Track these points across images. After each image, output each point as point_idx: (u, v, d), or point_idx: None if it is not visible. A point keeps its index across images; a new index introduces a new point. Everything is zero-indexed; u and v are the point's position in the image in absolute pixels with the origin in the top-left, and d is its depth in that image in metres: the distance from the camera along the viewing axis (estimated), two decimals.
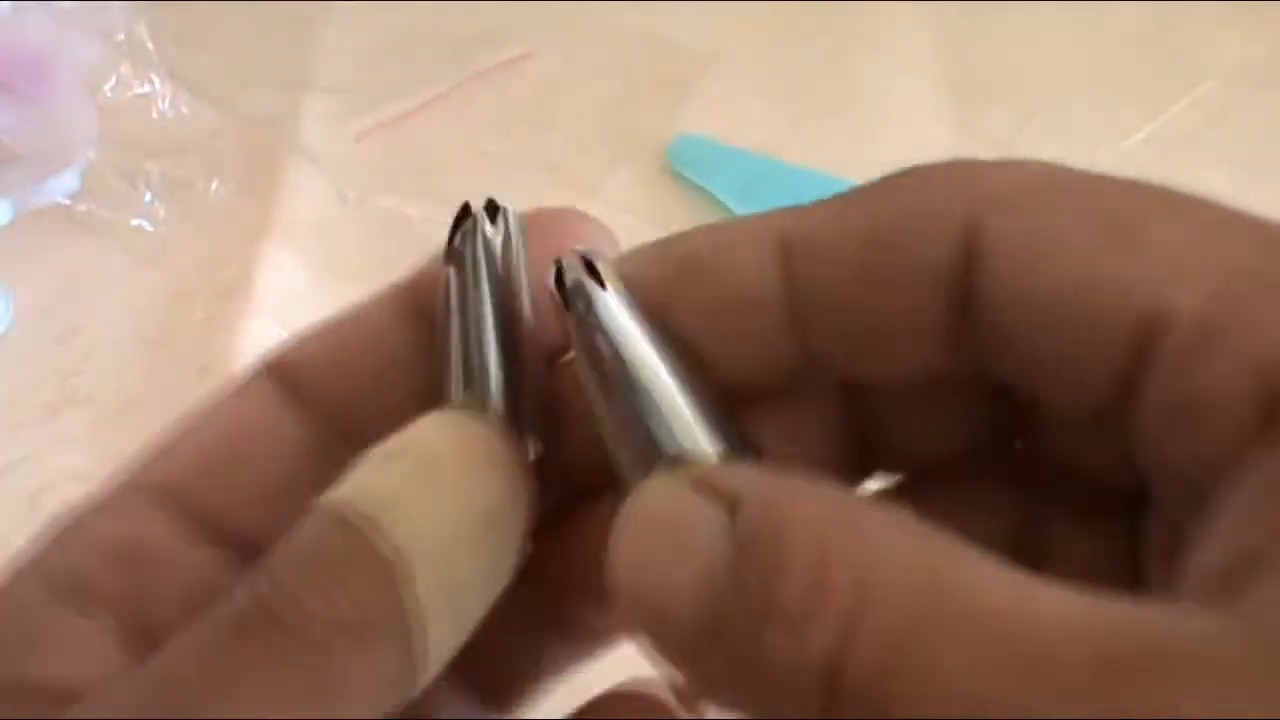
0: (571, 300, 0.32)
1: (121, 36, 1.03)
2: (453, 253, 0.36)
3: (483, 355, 0.33)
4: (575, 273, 0.32)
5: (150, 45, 1.04)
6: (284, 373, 0.37)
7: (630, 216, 1.00)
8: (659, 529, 0.28)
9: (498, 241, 0.35)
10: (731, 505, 0.27)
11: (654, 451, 0.31)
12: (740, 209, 0.98)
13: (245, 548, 0.34)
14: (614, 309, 0.32)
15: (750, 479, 0.28)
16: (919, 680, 0.24)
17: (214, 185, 1.00)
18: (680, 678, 0.28)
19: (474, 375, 0.33)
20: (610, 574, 0.29)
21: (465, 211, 0.36)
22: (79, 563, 0.34)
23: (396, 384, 0.36)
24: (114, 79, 1.04)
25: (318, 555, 0.29)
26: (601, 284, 0.32)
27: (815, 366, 0.34)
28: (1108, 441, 0.32)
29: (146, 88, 1.05)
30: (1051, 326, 0.29)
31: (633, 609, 0.28)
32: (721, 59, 1.16)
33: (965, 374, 0.33)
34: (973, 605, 0.24)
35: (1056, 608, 0.24)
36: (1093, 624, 0.23)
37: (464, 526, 0.30)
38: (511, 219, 0.36)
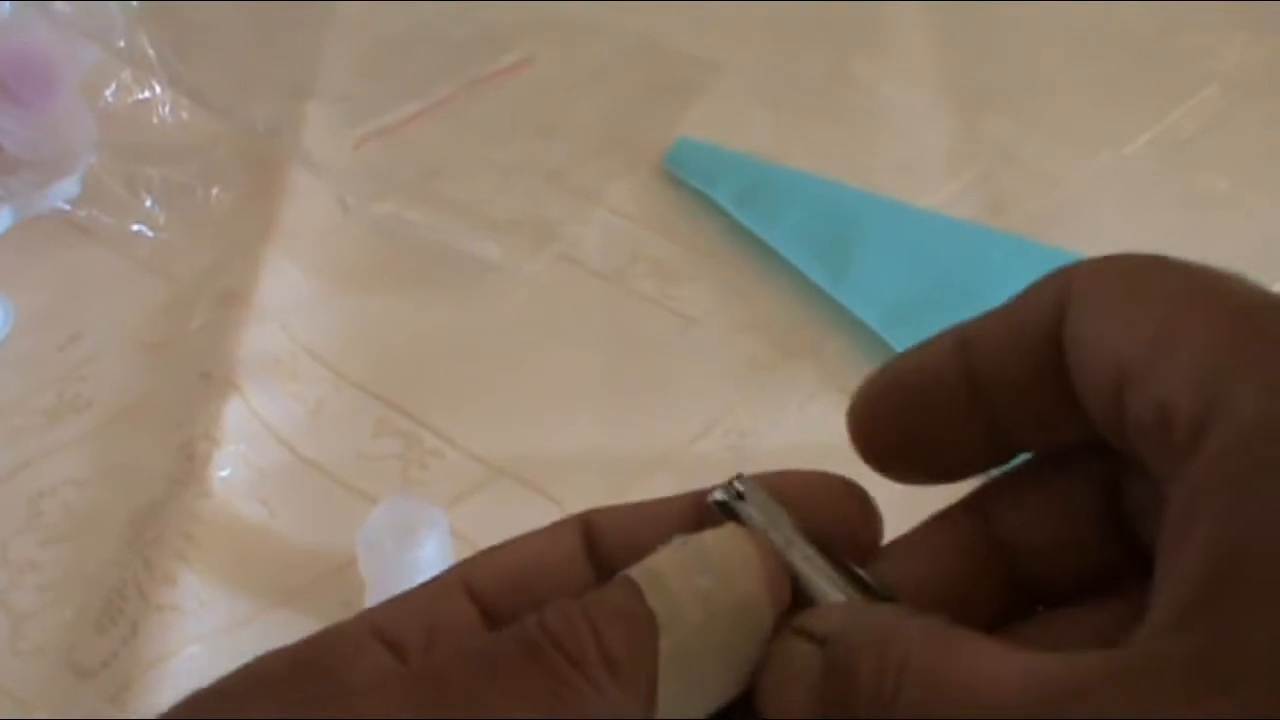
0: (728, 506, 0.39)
1: (122, 43, 1.03)
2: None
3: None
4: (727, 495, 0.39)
5: (151, 51, 1.04)
6: (590, 529, 0.41)
7: (630, 222, 1.00)
8: (779, 666, 0.36)
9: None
10: (822, 641, 0.35)
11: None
12: (739, 214, 0.99)
13: None
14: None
15: (837, 618, 0.36)
16: None
17: (214, 191, 1.00)
18: None
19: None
20: (758, 702, 0.37)
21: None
22: (396, 620, 0.39)
23: None
24: (115, 85, 1.04)
25: (600, 604, 0.36)
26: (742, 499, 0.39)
27: (997, 441, 0.40)
28: None
29: (147, 94, 1.05)
30: (1121, 420, 0.35)
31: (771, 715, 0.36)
32: (721, 65, 1.16)
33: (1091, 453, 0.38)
34: (960, 682, 0.31)
35: (1009, 668, 0.31)
36: (1030, 672, 0.31)
37: (716, 611, 0.36)
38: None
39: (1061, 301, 0.37)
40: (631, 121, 1.10)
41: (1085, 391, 0.36)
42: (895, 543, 0.40)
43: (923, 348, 0.40)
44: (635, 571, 0.36)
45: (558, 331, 0.92)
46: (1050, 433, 0.39)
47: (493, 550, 0.41)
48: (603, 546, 0.41)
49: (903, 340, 0.86)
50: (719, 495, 0.39)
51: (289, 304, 0.91)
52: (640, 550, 0.38)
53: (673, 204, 1.02)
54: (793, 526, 0.39)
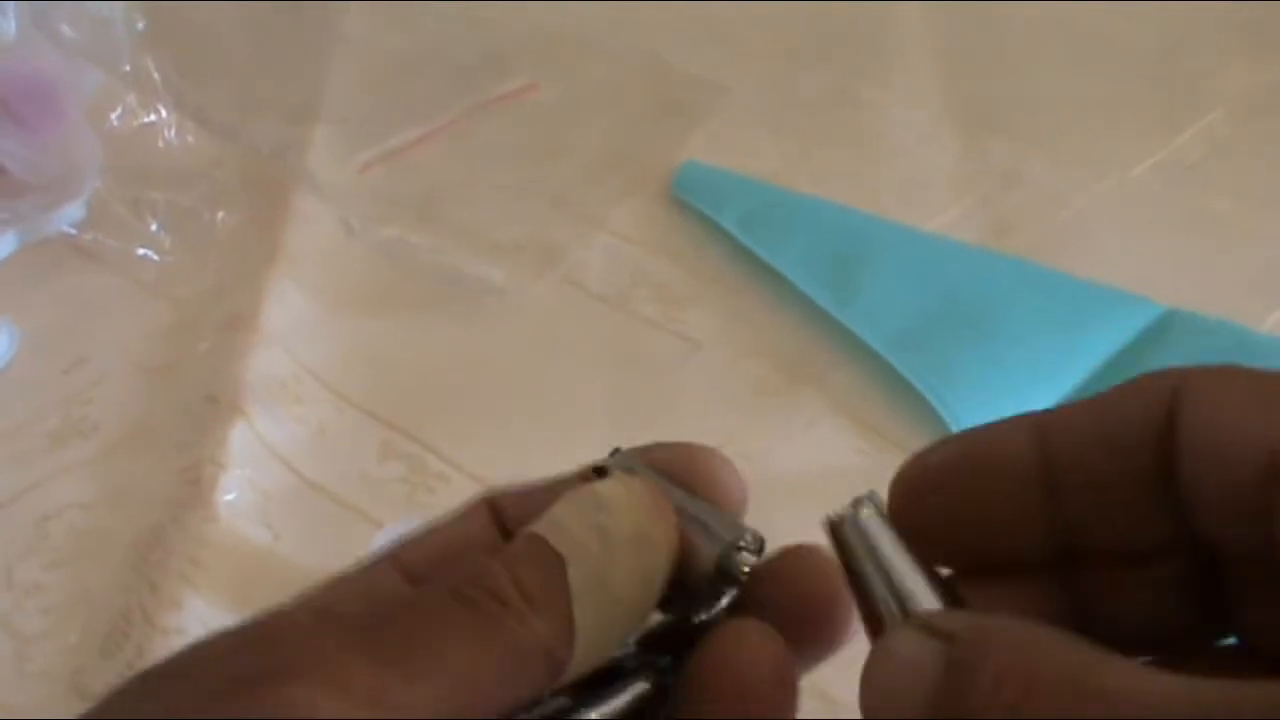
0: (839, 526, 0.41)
1: (127, 67, 1.03)
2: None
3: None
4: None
5: (156, 75, 1.04)
6: (495, 505, 0.46)
7: (636, 246, 1.00)
8: (895, 660, 0.37)
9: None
10: (947, 638, 0.35)
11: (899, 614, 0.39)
12: (745, 238, 0.99)
13: None
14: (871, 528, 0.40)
15: (962, 619, 0.37)
16: None
17: (219, 215, 1.01)
18: None
19: None
20: (862, 697, 0.37)
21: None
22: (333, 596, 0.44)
23: None
24: (120, 109, 1.05)
25: (509, 553, 0.39)
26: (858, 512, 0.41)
27: (1060, 537, 0.40)
28: None
29: (152, 117, 1.05)
30: (1227, 481, 0.36)
31: (874, 713, 0.36)
32: (727, 89, 1.16)
33: (1173, 546, 0.39)
34: (1107, 693, 0.31)
35: (1177, 689, 0.31)
36: (1203, 698, 0.30)
37: (615, 543, 0.40)
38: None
39: (1170, 399, 0.38)
40: (636, 145, 1.10)
41: (1210, 487, 0.37)
42: None
43: (992, 430, 0.41)
44: (538, 524, 0.40)
45: (562, 355, 0.92)
46: (1126, 531, 0.40)
47: (414, 534, 0.45)
48: (508, 520, 0.45)
49: (908, 365, 0.86)
50: (832, 516, 0.41)
51: (294, 327, 0.91)
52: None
53: (677, 228, 1.02)
54: (895, 541, 0.40)
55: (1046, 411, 0.41)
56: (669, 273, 0.98)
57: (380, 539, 0.74)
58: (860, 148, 1.11)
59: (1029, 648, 0.34)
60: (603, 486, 0.42)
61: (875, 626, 0.40)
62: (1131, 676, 0.32)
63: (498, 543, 0.45)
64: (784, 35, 1.24)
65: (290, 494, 0.81)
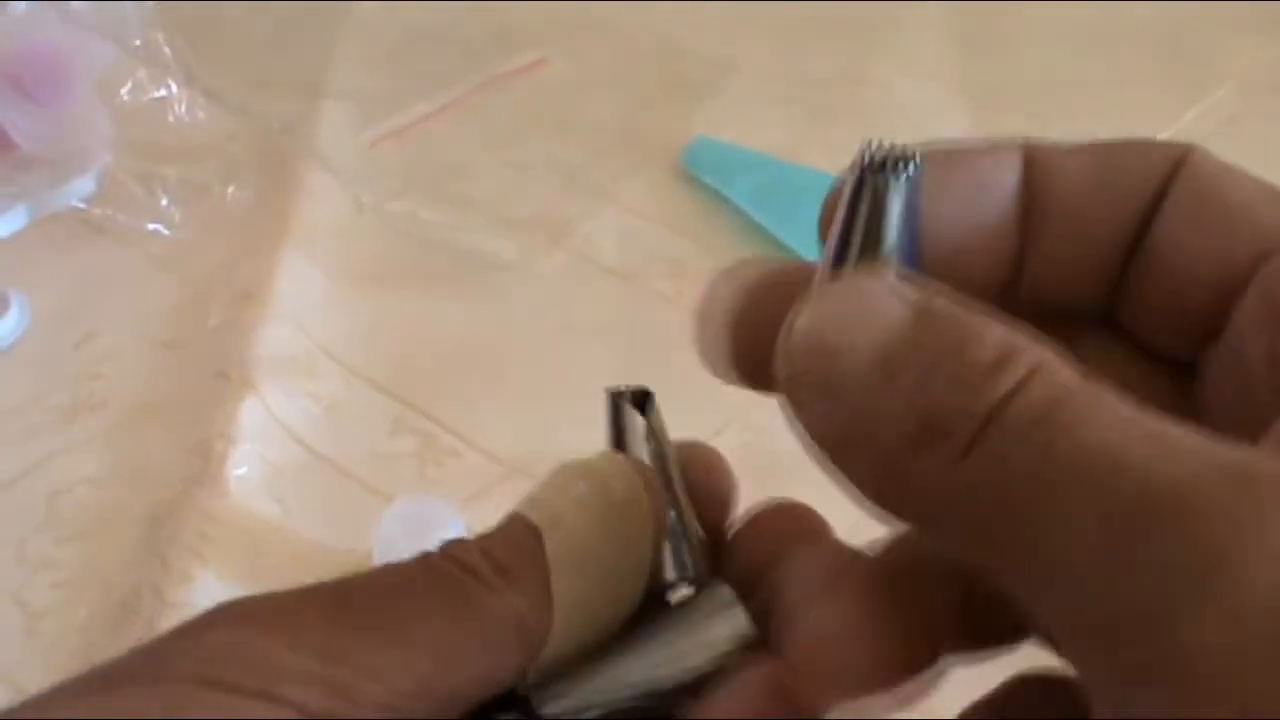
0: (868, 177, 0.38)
1: (138, 41, 1.03)
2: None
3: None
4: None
5: (167, 50, 1.04)
6: None
7: (646, 221, 1.00)
8: (845, 294, 0.34)
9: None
10: (919, 311, 0.33)
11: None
12: (756, 213, 0.99)
13: None
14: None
15: (942, 297, 0.33)
16: (1073, 418, 0.29)
17: (230, 190, 1.01)
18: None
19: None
20: (786, 333, 0.34)
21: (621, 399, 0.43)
22: None
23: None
24: (130, 83, 1.05)
25: (487, 530, 0.38)
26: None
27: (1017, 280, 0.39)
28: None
29: (163, 92, 1.05)
30: (1198, 248, 0.36)
31: (802, 353, 0.34)
32: (737, 64, 1.16)
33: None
34: (1118, 406, 0.29)
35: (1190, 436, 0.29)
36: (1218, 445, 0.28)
37: (594, 513, 0.39)
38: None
39: (1170, 169, 0.37)
40: (647, 120, 1.10)
41: (1169, 290, 0.36)
42: None
43: (978, 147, 0.40)
44: (519, 504, 0.39)
45: (573, 330, 0.92)
46: (1081, 289, 0.39)
47: None
48: None
49: None
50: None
51: (304, 303, 0.91)
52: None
53: (688, 202, 1.02)
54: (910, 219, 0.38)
55: (1039, 143, 0.39)
56: (679, 247, 0.98)
57: (390, 514, 0.74)
58: (870, 124, 1.11)
59: (1029, 347, 0.31)
60: (589, 458, 0.41)
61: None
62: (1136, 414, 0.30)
63: None
64: (794, 11, 1.24)
65: (301, 469, 0.81)
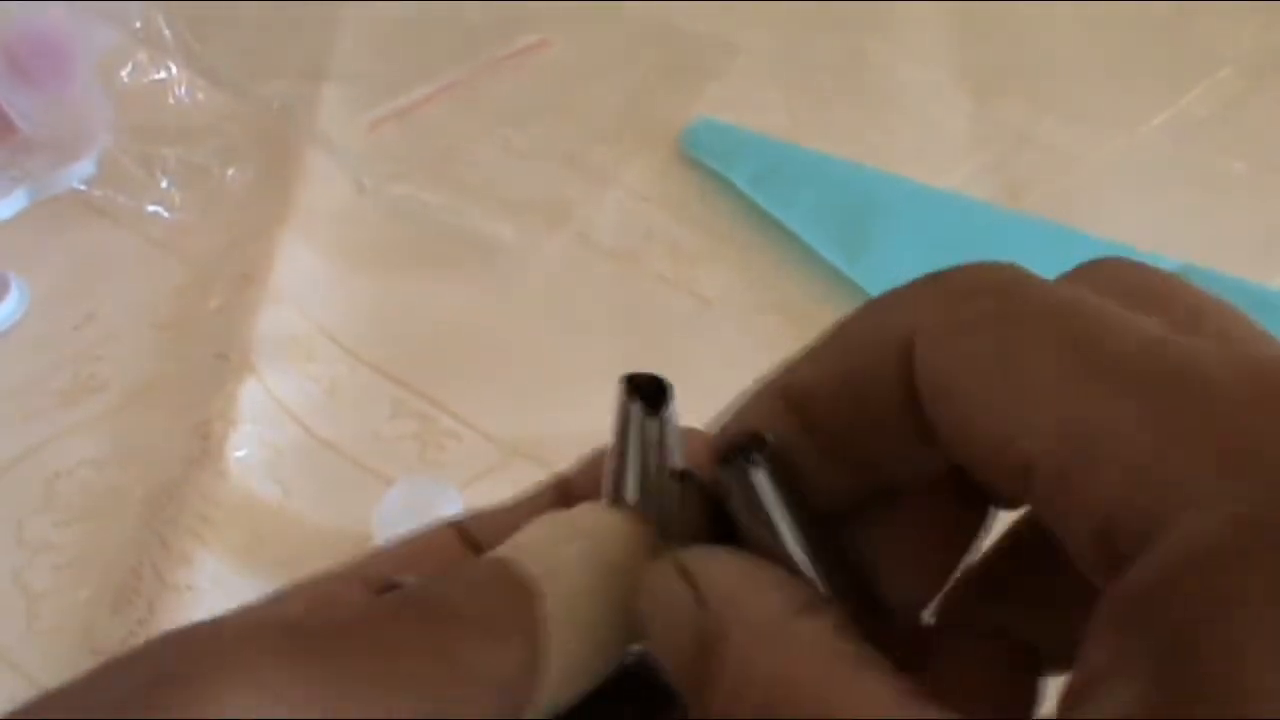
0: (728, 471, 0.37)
1: (138, 24, 1.03)
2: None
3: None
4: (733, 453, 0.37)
5: (167, 32, 1.04)
6: (464, 534, 0.41)
7: (647, 204, 1.00)
8: (649, 593, 0.35)
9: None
10: (699, 596, 0.33)
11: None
12: (756, 195, 0.98)
13: None
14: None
15: (716, 573, 0.34)
16: None
17: (230, 172, 1.01)
18: None
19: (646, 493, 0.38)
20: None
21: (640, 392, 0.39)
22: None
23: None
24: (130, 65, 1.04)
25: (471, 573, 0.35)
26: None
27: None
28: None
29: (163, 74, 1.05)
30: (966, 455, 0.33)
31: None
32: (738, 47, 1.16)
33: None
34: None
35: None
36: None
37: (591, 574, 0.36)
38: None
39: (903, 361, 0.34)
40: (647, 103, 1.10)
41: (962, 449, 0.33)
42: None
43: (746, 412, 0.39)
44: (503, 548, 0.36)
45: (574, 312, 0.92)
46: (898, 472, 0.37)
47: (381, 549, 0.42)
48: (480, 545, 0.40)
49: None
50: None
51: (304, 285, 0.91)
52: None
53: (689, 185, 1.02)
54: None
55: (789, 373, 0.37)
56: (680, 230, 0.98)
57: (390, 496, 0.74)
58: (871, 107, 1.11)
59: (777, 641, 0.32)
60: (579, 511, 0.38)
61: None
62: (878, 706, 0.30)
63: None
64: None
65: (300, 451, 0.81)
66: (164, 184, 0.99)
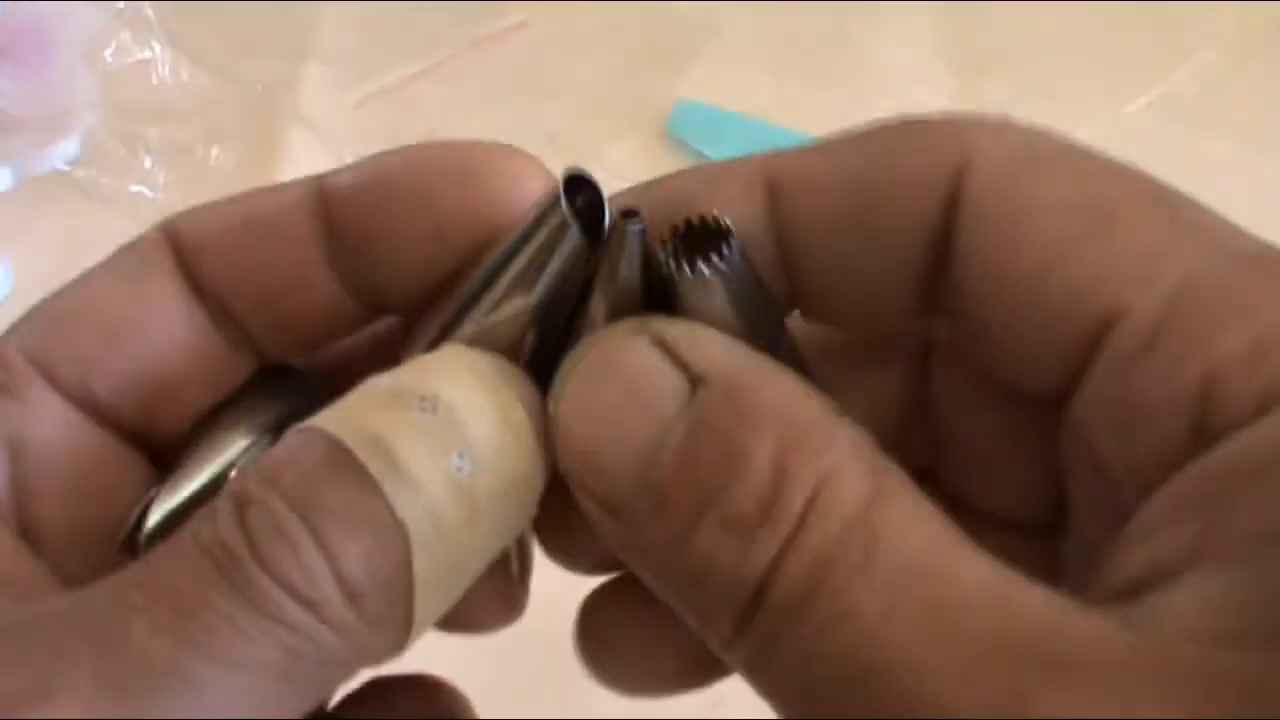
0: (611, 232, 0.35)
1: (121, 4, 1.03)
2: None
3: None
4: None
5: (150, 12, 1.04)
6: (187, 257, 0.37)
7: (629, 184, 1.00)
8: (614, 377, 0.29)
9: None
10: (693, 377, 0.28)
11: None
12: None
13: (133, 432, 0.35)
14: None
15: (717, 353, 0.29)
16: (834, 612, 0.24)
17: (214, 152, 1.00)
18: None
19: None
20: (554, 406, 0.29)
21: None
22: None
23: (304, 297, 0.36)
24: (114, 45, 1.04)
25: (321, 493, 0.28)
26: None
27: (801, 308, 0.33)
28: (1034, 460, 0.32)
29: (146, 54, 1.05)
30: (1018, 302, 0.29)
31: (573, 457, 0.28)
32: (720, 28, 1.15)
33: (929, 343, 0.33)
34: (897, 552, 0.25)
35: (973, 575, 0.25)
36: (1002, 602, 0.24)
37: (478, 503, 0.29)
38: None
39: (952, 183, 0.31)
40: (630, 84, 1.10)
41: (1000, 322, 0.30)
42: None
43: (712, 183, 0.36)
44: (358, 443, 0.28)
45: None
46: (868, 318, 0.33)
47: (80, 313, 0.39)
48: (209, 288, 0.37)
49: None
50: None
51: None
52: (257, 301, 0.33)
53: (673, 166, 1.01)
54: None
55: (784, 161, 0.34)
56: None
57: None
58: (854, 87, 1.11)
59: (812, 442, 0.26)
60: (463, 397, 0.30)
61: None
62: (931, 538, 0.25)
63: (180, 324, 0.35)
64: None
65: None
66: (148, 164, 0.98)
